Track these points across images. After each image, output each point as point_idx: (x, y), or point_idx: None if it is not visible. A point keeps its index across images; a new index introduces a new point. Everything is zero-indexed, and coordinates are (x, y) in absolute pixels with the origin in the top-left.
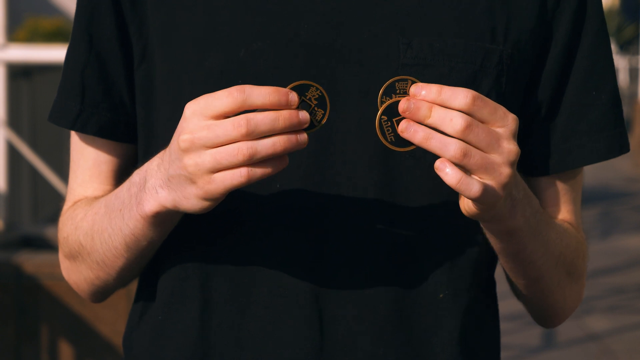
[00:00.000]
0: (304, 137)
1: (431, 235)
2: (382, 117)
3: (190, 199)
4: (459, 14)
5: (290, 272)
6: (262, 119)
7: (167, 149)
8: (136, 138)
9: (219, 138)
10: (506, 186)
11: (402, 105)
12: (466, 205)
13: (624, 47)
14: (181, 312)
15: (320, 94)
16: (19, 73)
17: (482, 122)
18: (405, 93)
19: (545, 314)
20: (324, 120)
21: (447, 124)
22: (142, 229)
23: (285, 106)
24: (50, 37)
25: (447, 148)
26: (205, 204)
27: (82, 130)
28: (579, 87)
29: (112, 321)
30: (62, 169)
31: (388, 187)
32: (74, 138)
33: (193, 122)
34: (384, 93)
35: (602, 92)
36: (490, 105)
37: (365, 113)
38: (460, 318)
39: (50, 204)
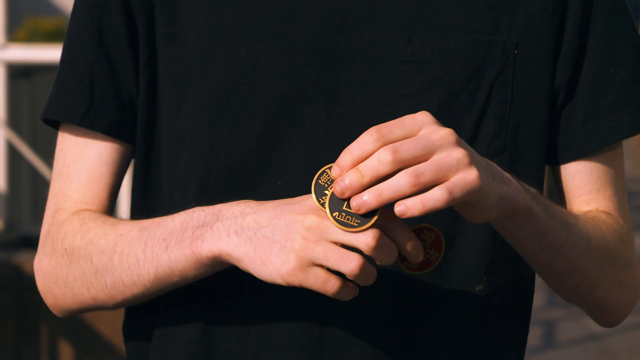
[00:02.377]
0: (373, 271)
1: None
2: (334, 215)
3: (269, 266)
4: (460, 9)
5: (291, 294)
6: (370, 269)
7: (267, 206)
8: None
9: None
10: (472, 162)
11: (337, 191)
12: (460, 209)
13: None
14: (182, 318)
15: (436, 236)
16: (19, 73)
17: (403, 139)
18: (332, 180)
19: (597, 309)
20: (436, 262)
21: (379, 166)
22: (184, 265)
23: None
24: (50, 37)
25: (399, 186)
26: (279, 281)
27: (90, 126)
28: (597, 67)
29: (112, 321)
30: None
31: None
32: (68, 140)
33: (315, 235)
34: (317, 196)
35: (620, 69)
36: (394, 124)
37: (367, 113)
38: (464, 319)
39: None
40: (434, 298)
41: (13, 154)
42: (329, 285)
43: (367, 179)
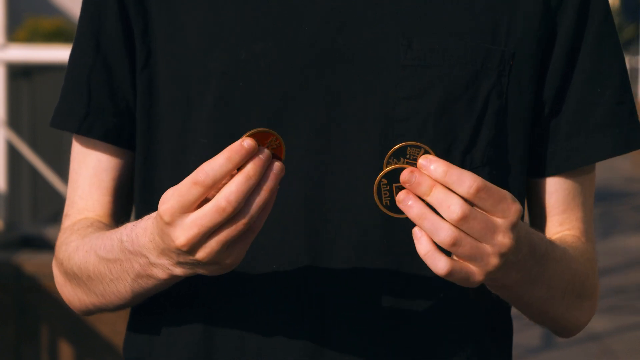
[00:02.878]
0: (278, 166)
1: None
2: (383, 180)
3: (212, 272)
4: (459, 15)
5: (291, 275)
6: (237, 188)
7: (155, 238)
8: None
9: (213, 228)
10: (489, 274)
11: (405, 175)
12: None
13: (624, 47)
14: (184, 318)
15: (277, 144)
16: (19, 73)
17: (485, 211)
18: (415, 160)
19: (557, 330)
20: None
21: (444, 209)
22: (153, 284)
23: (247, 156)
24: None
25: (437, 232)
26: (230, 269)
27: (88, 134)
28: (583, 86)
29: (112, 321)
30: (62, 169)
31: None
32: (76, 147)
33: (178, 227)
34: (393, 154)
35: (606, 89)
36: (495, 197)
37: (366, 114)
38: (467, 318)
39: (50, 204)
40: (435, 300)
41: (13, 154)
42: (250, 237)
43: (429, 199)
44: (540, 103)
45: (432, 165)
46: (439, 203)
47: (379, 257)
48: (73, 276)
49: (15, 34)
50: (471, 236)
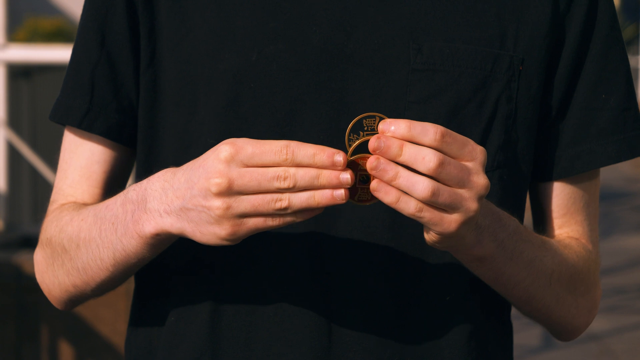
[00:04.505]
0: (340, 194)
1: None
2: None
3: (208, 236)
4: (469, 20)
5: (298, 274)
6: (303, 176)
7: (178, 176)
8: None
9: (260, 189)
10: (471, 220)
11: (372, 143)
12: (426, 235)
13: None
14: (192, 313)
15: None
16: (19, 73)
17: (452, 157)
18: (374, 130)
19: (554, 329)
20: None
21: (419, 162)
22: (135, 247)
23: (331, 167)
24: (50, 37)
25: (415, 187)
26: (224, 243)
27: (89, 129)
28: (588, 92)
29: (112, 321)
30: None
31: None
32: (68, 137)
33: (231, 167)
34: (352, 131)
35: (611, 96)
36: (459, 140)
37: None
38: (469, 320)
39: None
40: (442, 295)
41: (13, 154)
42: (269, 221)
43: (402, 159)
44: (546, 108)
45: (392, 126)
46: (413, 158)
47: (385, 258)
48: (60, 252)
49: (15, 34)
50: (448, 184)
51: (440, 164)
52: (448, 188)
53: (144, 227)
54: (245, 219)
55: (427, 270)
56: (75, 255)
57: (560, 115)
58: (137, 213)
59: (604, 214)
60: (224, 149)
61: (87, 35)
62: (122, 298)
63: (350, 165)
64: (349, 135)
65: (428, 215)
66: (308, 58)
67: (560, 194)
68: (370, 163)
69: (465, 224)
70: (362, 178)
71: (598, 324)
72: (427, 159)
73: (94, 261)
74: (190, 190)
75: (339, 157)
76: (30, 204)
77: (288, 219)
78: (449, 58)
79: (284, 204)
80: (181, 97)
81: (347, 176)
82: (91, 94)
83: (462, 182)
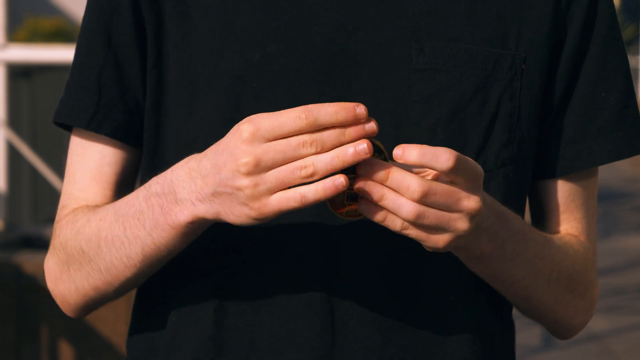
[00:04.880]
0: (364, 147)
1: None
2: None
3: (241, 217)
4: (471, 20)
5: (304, 275)
6: (329, 136)
7: (204, 162)
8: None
9: (287, 160)
10: (461, 238)
11: (360, 171)
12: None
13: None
14: (195, 313)
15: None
16: (19, 73)
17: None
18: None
19: (552, 327)
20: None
21: (403, 190)
22: (167, 239)
23: (354, 121)
24: (50, 37)
25: (400, 210)
26: (255, 222)
27: (97, 130)
28: (588, 90)
29: (112, 321)
30: (62, 169)
31: None
32: (75, 141)
33: (255, 145)
34: None
35: (611, 94)
36: (465, 162)
37: (378, 117)
38: (473, 318)
39: (50, 204)
40: (445, 294)
41: (13, 154)
42: (292, 200)
43: (388, 183)
44: (547, 106)
45: (399, 151)
46: (397, 185)
47: (390, 258)
48: (77, 255)
49: (15, 34)
50: (437, 209)
51: (424, 195)
52: (434, 211)
53: (178, 217)
54: (270, 198)
55: (431, 270)
56: (96, 256)
57: (560, 113)
58: (167, 205)
59: (603, 214)
60: (244, 128)
61: (91, 36)
62: (123, 298)
63: None
64: None
65: (414, 233)
66: (310, 58)
67: (560, 191)
68: (358, 185)
69: (454, 241)
70: (350, 195)
71: (598, 324)
72: (412, 189)
73: (119, 259)
74: (219, 175)
75: (361, 109)
76: (30, 204)
77: (310, 197)
78: (451, 58)
79: (309, 170)
80: (183, 96)
81: (372, 125)
82: (98, 95)
83: (450, 207)
